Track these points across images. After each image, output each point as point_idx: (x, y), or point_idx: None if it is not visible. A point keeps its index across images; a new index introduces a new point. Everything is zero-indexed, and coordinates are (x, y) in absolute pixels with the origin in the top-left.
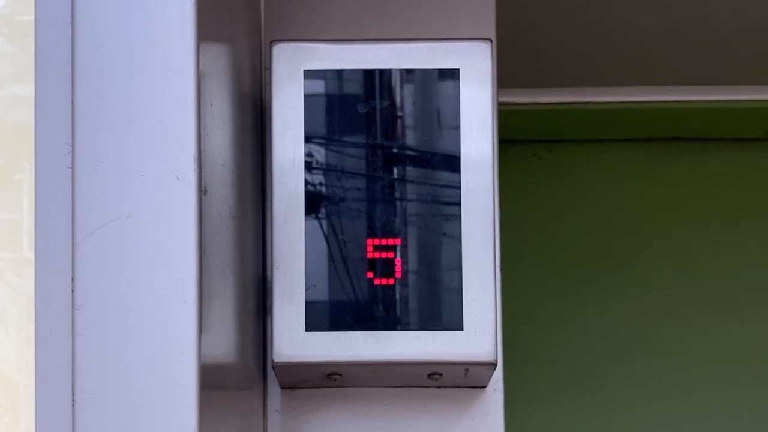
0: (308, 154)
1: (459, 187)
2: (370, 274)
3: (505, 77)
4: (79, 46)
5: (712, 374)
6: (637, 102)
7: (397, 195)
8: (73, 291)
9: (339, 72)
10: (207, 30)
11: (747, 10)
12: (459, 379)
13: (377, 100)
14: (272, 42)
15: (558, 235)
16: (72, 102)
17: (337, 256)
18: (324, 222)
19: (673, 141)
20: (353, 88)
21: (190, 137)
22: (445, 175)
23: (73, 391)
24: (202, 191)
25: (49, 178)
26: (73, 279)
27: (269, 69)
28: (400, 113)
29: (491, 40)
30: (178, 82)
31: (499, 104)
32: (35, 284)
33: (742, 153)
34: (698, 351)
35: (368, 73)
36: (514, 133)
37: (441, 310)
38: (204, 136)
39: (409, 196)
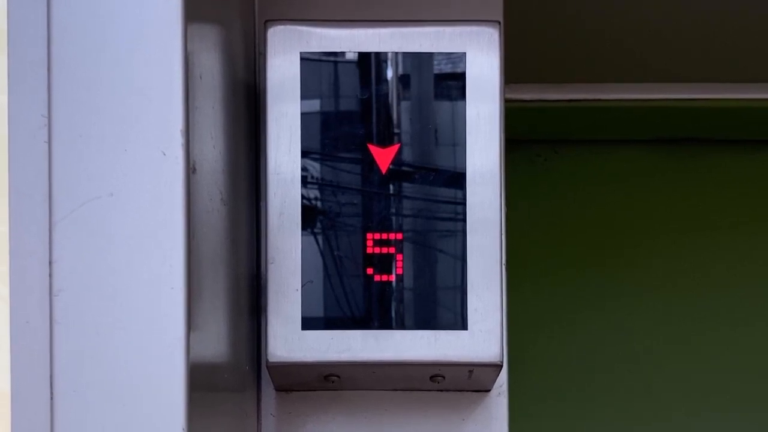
0: (304, 144)
1: (465, 182)
2: (369, 271)
3: (506, 72)
4: (56, 10)
5: (720, 378)
6: (647, 100)
7: (398, 187)
8: (50, 275)
9: (338, 55)
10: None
11: (764, 6)
12: (462, 382)
13: (377, 85)
14: (266, 22)
15: (564, 238)
16: (48, 70)
17: (335, 251)
18: (321, 215)
19: (684, 142)
20: (352, 72)
21: (176, 109)
22: (450, 167)
23: (51, 384)
24: (190, 169)
25: (23, 153)
26: (50, 263)
27: (263, 54)
28: (402, 99)
29: (499, 23)
30: (164, 47)
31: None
32: (10, 269)
33: (756, 155)
34: (707, 354)
35: (368, 57)
36: (518, 133)
37: (444, 309)
38: (193, 110)
39: (412, 189)
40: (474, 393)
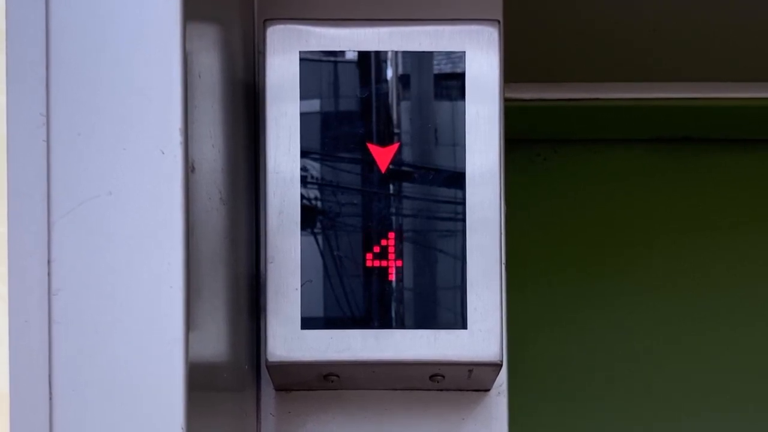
0: (303, 143)
1: (464, 181)
2: (369, 270)
3: (506, 71)
4: (55, 10)
5: (720, 378)
6: (647, 99)
7: (398, 187)
8: (49, 275)
9: (337, 54)
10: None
11: (764, 6)
12: (462, 382)
13: (377, 84)
14: (266, 21)
15: (563, 238)
16: (47, 69)
17: (335, 250)
18: (321, 215)
19: (684, 141)
20: (352, 71)
21: (175, 108)
22: (449, 166)
23: (50, 384)
24: (189, 168)
25: (22, 152)
26: (49, 262)
27: (262, 53)
28: (401, 98)
29: (499, 22)
30: (163, 46)
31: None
32: (8, 268)
33: (756, 154)
34: (707, 354)
35: (367, 56)
36: (517, 133)
37: (444, 308)
38: (192, 109)
39: (412, 189)
40: (474, 392)
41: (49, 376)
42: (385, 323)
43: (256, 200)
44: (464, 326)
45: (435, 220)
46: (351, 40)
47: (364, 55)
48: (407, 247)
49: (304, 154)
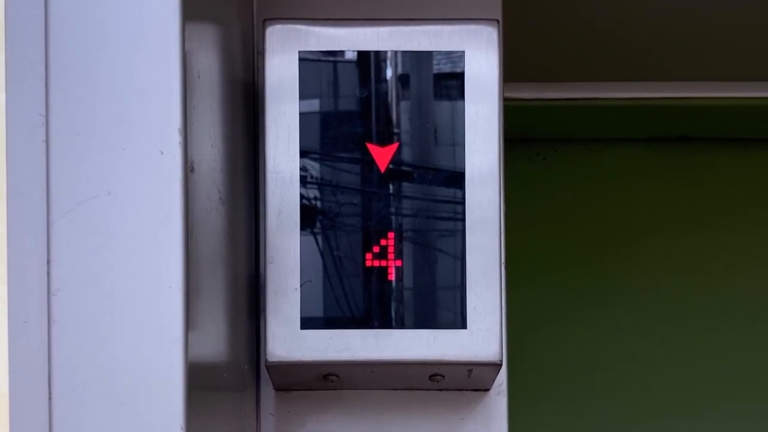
0: (303, 143)
1: (464, 181)
2: (368, 270)
3: (505, 70)
4: (54, 9)
5: (720, 378)
6: (647, 99)
7: (397, 186)
8: (48, 275)
9: (337, 54)
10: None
11: (763, 5)
12: (461, 381)
13: (376, 84)
14: (265, 21)
15: (563, 237)
16: (46, 69)
17: (334, 250)
18: (320, 214)
19: (683, 140)
20: (351, 71)
21: (174, 108)
22: (449, 166)
23: (49, 384)
24: (188, 168)
25: (21, 151)
26: (48, 262)
27: (262, 53)
28: (401, 97)
29: (498, 21)
30: (162, 46)
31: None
32: (8, 268)
33: (755, 153)
34: (706, 354)
35: (367, 56)
36: (517, 132)
37: (443, 308)
38: (191, 109)
39: (411, 188)
40: (473, 392)
41: (49, 376)
42: (385, 323)
43: (255, 200)
44: (464, 326)
45: (434, 219)
46: (350, 39)
47: (363, 55)
48: (407, 247)
49: (304, 154)
